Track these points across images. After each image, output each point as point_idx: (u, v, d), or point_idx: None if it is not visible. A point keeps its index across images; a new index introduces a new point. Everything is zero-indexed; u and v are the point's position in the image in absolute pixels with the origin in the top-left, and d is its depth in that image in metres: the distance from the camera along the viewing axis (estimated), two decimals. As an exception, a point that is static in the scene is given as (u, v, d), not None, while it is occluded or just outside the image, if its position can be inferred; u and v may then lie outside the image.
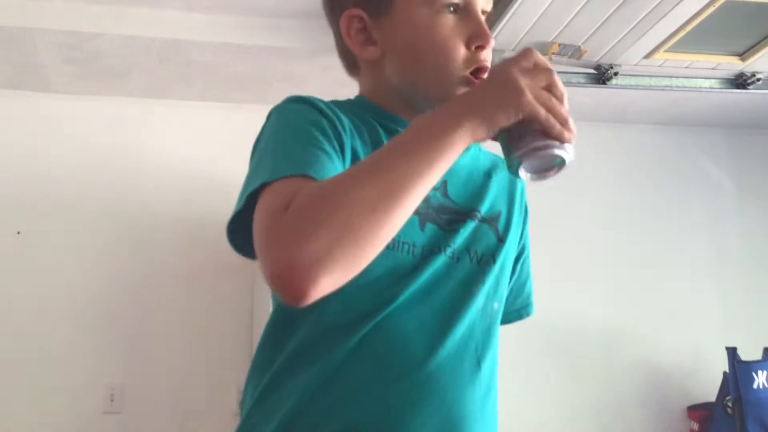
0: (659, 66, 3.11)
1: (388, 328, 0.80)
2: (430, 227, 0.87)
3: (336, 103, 0.91)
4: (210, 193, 3.30)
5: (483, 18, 0.89)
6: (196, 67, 3.11)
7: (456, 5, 0.87)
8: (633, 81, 3.16)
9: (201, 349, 3.22)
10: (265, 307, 2.75)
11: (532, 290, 1.07)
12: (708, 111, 3.75)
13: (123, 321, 3.19)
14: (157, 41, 2.88)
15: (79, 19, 2.77)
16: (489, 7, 0.91)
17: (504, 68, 0.75)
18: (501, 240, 0.94)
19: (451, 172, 0.75)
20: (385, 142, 0.88)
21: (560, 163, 0.75)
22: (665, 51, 2.94)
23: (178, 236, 3.29)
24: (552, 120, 0.73)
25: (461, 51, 0.87)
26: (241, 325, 3.23)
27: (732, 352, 3.19)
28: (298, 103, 0.86)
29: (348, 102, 0.95)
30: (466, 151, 0.94)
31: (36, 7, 2.73)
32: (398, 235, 0.74)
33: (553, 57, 2.92)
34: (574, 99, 3.31)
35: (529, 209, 1.03)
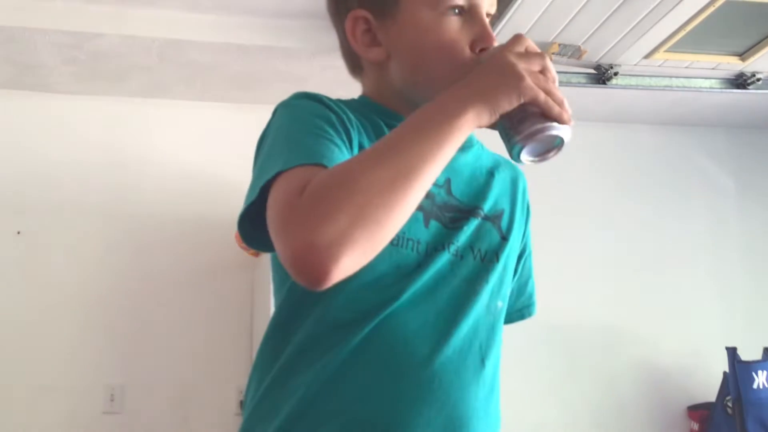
0: (659, 66, 3.11)
1: (392, 325, 0.80)
2: (434, 224, 0.87)
3: (341, 101, 0.91)
4: (210, 193, 3.30)
5: (487, 20, 0.90)
6: (196, 67, 3.11)
7: (461, 7, 0.88)
8: (633, 81, 3.16)
9: (201, 349, 3.22)
10: (265, 307, 2.75)
11: (535, 290, 1.07)
12: (708, 111, 3.75)
13: (123, 321, 3.19)
14: (157, 41, 2.88)
15: (79, 19, 2.77)
16: (493, 10, 0.92)
17: (500, 55, 0.77)
18: (504, 238, 0.94)
19: (454, 171, 0.75)
20: None
21: (559, 144, 0.78)
22: (665, 51, 2.94)
23: (178, 236, 3.29)
24: (551, 102, 0.75)
25: (466, 53, 0.87)
26: (241, 325, 3.23)
27: (732, 352, 3.19)
28: (304, 99, 0.87)
29: (352, 101, 0.95)
30: (469, 148, 0.93)
31: (36, 7, 2.73)
32: (403, 232, 0.75)
33: (553, 57, 2.92)
34: (574, 99, 3.31)
35: (531, 210, 1.04)
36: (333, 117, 0.83)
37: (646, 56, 2.99)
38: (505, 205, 0.97)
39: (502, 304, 0.93)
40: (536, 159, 0.79)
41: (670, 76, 3.18)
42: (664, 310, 3.65)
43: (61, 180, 3.26)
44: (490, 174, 0.97)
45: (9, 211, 3.20)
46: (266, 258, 0.72)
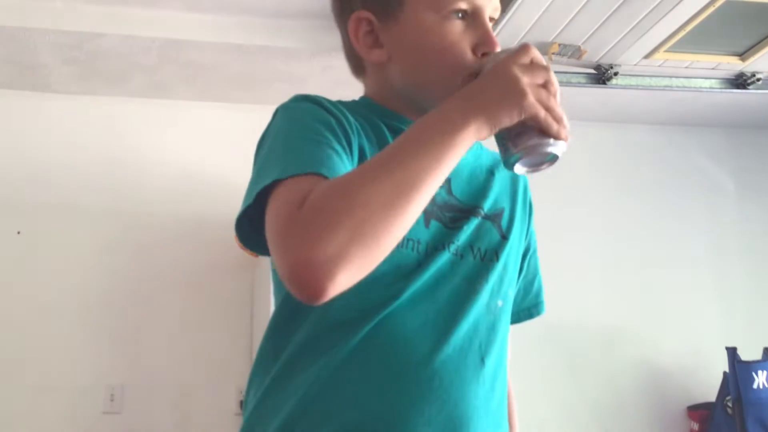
0: (659, 66, 3.11)
1: (392, 324, 0.80)
2: (434, 224, 0.87)
3: (341, 103, 0.91)
4: (210, 193, 3.30)
5: (490, 25, 0.90)
6: (196, 67, 3.11)
7: (464, 11, 0.88)
8: (633, 81, 3.16)
9: (201, 350, 3.21)
10: (265, 307, 2.75)
11: (543, 288, 1.07)
12: (708, 111, 3.75)
13: (123, 321, 3.19)
14: (157, 41, 2.88)
15: (79, 19, 2.77)
16: (497, 14, 0.92)
17: (505, 67, 0.76)
18: (504, 237, 0.94)
19: (454, 170, 0.75)
20: (391, 141, 0.88)
21: (552, 159, 0.79)
22: (665, 51, 2.94)
23: (178, 236, 3.29)
24: (550, 120, 0.75)
25: (468, 56, 0.88)
26: (241, 325, 3.23)
27: (732, 352, 3.19)
28: (304, 102, 0.86)
29: (353, 102, 0.96)
30: (470, 149, 0.94)
31: (36, 7, 2.73)
32: None
33: (553, 57, 2.92)
34: (574, 99, 3.32)
35: (533, 209, 1.04)
36: (332, 121, 0.83)
37: (646, 56, 3.00)
38: (505, 204, 0.97)
39: (502, 303, 0.92)
40: (529, 170, 0.81)
41: (670, 76, 3.18)
42: (664, 310, 3.65)
43: (61, 180, 3.26)
44: (490, 173, 0.97)
45: (9, 211, 3.20)
46: (266, 258, 0.73)
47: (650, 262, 3.71)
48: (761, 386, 3.15)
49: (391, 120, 0.91)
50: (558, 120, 0.76)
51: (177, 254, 3.28)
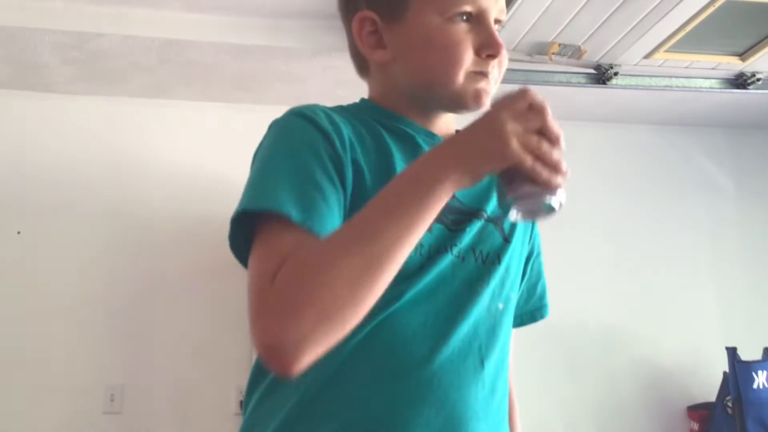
0: (659, 66, 3.11)
1: (392, 325, 0.80)
2: (437, 227, 0.87)
3: (339, 110, 0.91)
4: (210, 193, 3.30)
5: (496, 27, 0.90)
6: (196, 67, 3.11)
7: (469, 14, 0.88)
8: (633, 81, 3.16)
9: (201, 350, 3.21)
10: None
11: (547, 292, 1.07)
12: (708, 111, 3.75)
13: (123, 321, 3.19)
14: (157, 41, 2.88)
15: (79, 19, 2.77)
16: (503, 16, 0.92)
17: (494, 112, 0.74)
18: (506, 240, 0.94)
19: None
20: (390, 144, 0.88)
21: (548, 209, 0.75)
22: (665, 51, 2.94)
23: (178, 236, 3.29)
24: (538, 168, 0.72)
25: (470, 56, 0.88)
26: (241, 325, 3.22)
27: (732, 352, 3.19)
28: (299, 119, 0.85)
29: (352, 106, 0.95)
30: None
31: (36, 7, 2.73)
32: None
33: (553, 57, 2.92)
34: (574, 99, 3.32)
35: None
36: (324, 146, 0.82)
37: (646, 56, 2.99)
38: None
39: (503, 306, 0.92)
40: (525, 217, 0.77)
41: (670, 76, 3.18)
42: (664, 310, 3.65)
43: (61, 180, 3.26)
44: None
45: (9, 211, 3.20)
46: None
47: (650, 262, 3.71)
48: (761, 386, 3.15)
49: (390, 121, 0.91)
50: (553, 166, 0.73)
51: (177, 254, 3.28)
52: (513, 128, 0.72)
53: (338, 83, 3.21)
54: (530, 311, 1.05)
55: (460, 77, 0.88)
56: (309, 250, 0.72)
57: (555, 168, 0.73)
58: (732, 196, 3.93)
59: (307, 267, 0.71)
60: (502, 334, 0.92)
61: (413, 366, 0.82)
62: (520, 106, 0.74)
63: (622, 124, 3.87)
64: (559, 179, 0.73)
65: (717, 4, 2.58)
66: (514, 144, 0.71)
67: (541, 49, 2.91)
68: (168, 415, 3.13)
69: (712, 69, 3.15)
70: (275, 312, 0.70)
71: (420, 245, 0.85)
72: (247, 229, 0.78)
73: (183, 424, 3.13)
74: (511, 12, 2.59)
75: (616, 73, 3.08)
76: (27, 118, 3.31)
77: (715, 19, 2.67)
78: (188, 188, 3.33)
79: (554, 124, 0.74)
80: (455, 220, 0.89)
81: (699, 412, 3.42)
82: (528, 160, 0.71)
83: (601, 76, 3.11)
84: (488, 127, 0.73)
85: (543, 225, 1.07)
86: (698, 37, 2.82)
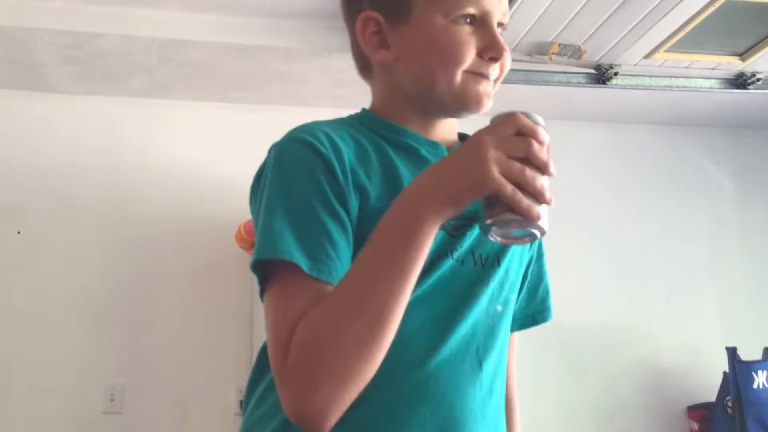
0: (659, 66, 3.11)
1: None
2: (439, 233, 0.87)
3: (340, 125, 0.90)
4: (210, 193, 3.31)
5: (499, 30, 0.90)
6: (196, 67, 3.11)
7: (472, 16, 0.88)
8: (633, 81, 3.16)
9: (201, 350, 3.22)
10: (265, 307, 2.75)
11: (550, 295, 1.06)
12: (708, 111, 3.75)
13: (123, 321, 3.19)
14: (157, 41, 2.88)
15: (79, 19, 2.77)
16: (506, 20, 0.92)
17: (477, 137, 0.73)
18: None
19: None
20: (394, 158, 0.89)
21: (529, 235, 0.74)
22: (665, 51, 2.94)
23: (178, 236, 3.29)
24: (518, 197, 0.70)
25: (472, 56, 0.88)
26: (241, 325, 3.23)
27: (732, 352, 3.19)
28: (300, 147, 0.84)
29: (354, 118, 0.95)
30: None
31: (36, 7, 2.73)
32: None
33: (553, 57, 2.92)
34: (574, 99, 3.31)
35: None
36: (327, 176, 0.82)
37: (646, 56, 2.99)
38: None
39: (502, 309, 0.92)
40: (506, 240, 0.77)
41: (670, 76, 3.18)
42: (664, 310, 3.65)
43: (61, 180, 3.26)
44: None
45: (9, 211, 3.20)
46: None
47: (650, 262, 3.71)
48: (761, 386, 3.15)
49: (393, 134, 0.91)
50: (535, 194, 0.71)
51: (177, 254, 3.28)
52: (494, 155, 0.70)
53: (338, 83, 3.21)
54: (531, 314, 1.04)
55: (461, 77, 0.88)
56: (315, 317, 0.74)
57: (537, 196, 0.71)
58: (732, 196, 3.93)
59: (315, 338, 0.73)
60: (500, 336, 0.92)
61: (410, 366, 0.83)
62: (506, 132, 0.72)
63: (622, 124, 3.87)
64: (539, 209, 0.71)
65: (717, 4, 2.58)
66: (494, 172, 0.70)
67: (541, 49, 2.91)
68: (168, 415, 3.13)
69: (712, 69, 3.15)
70: (295, 386, 0.74)
71: None
72: (263, 271, 0.80)
73: (183, 424, 3.13)
74: (511, 12, 2.58)
75: (616, 73, 3.08)
76: (27, 118, 3.31)
77: (715, 19, 2.67)
78: (188, 188, 3.33)
79: (542, 150, 0.72)
80: (456, 225, 0.89)
81: (699, 412, 3.42)
82: (507, 189, 0.70)
83: (601, 76, 3.11)
84: (470, 153, 0.72)
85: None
86: (698, 37, 2.82)
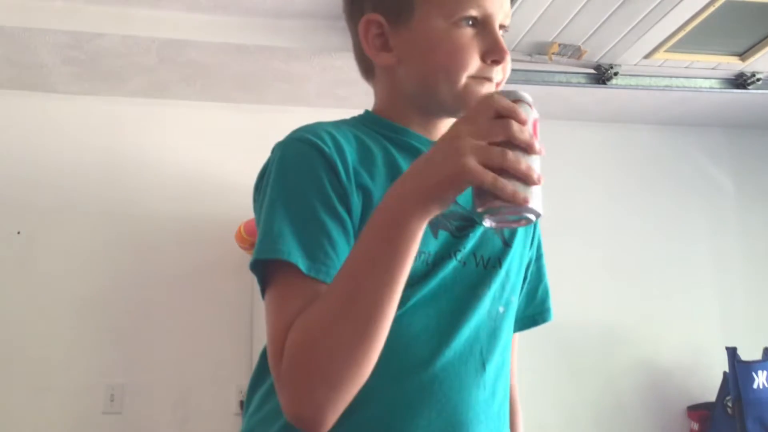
0: (659, 66, 3.11)
1: (394, 329, 0.80)
2: (442, 234, 0.87)
3: (343, 125, 0.90)
4: (210, 193, 3.31)
5: (501, 32, 0.90)
6: (196, 67, 3.11)
7: (474, 18, 0.88)
8: (633, 81, 3.16)
9: (201, 350, 3.22)
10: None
11: (549, 296, 1.06)
12: (708, 111, 3.75)
13: (123, 321, 3.19)
14: (157, 41, 2.88)
15: (79, 19, 2.77)
16: (507, 22, 0.92)
17: (452, 129, 0.71)
18: (507, 244, 0.94)
19: None
20: (398, 158, 0.89)
21: (520, 221, 0.72)
22: (665, 51, 2.94)
23: (177, 236, 3.29)
24: (499, 185, 0.67)
25: (476, 61, 0.88)
26: (241, 325, 3.23)
27: (732, 352, 3.19)
28: (303, 147, 0.84)
29: (356, 120, 0.95)
30: None
31: (36, 7, 2.73)
32: None
33: (553, 57, 2.92)
34: (574, 99, 3.31)
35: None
36: (329, 176, 0.82)
37: (646, 56, 2.99)
38: None
39: (504, 310, 0.92)
40: (500, 225, 0.75)
41: (670, 76, 3.18)
42: (664, 309, 3.65)
43: (61, 180, 3.27)
44: None
45: (9, 211, 3.20)
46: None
47: (650, 262, 3.71)
48: (761, 386, 3.15)
49: (396, 135, 0.92)
50: (522, 176, 0.67)
51: (177, 254, 3.28)
52: (470, 144, 0.67)
53: (338, 83, 3.21)
54: (531, 315, 1.04)
55: (465, 81, 0.88)
56: (307, 318, 0.74)
57: (524, 179, 0.68)
58: (732, 196, 3.93)
59: (306, 341, 0.73)
60: (502, 337, 0.92)
61: (415, 368, 0.83)
62: (485, 116, 0.69)
63: (621, 124, 3.87)
64: (527, 192, 0.68)
65: (717, 4, 2.58)
66: (471, 163, 0.67)
67: (541, 49, 2.91)
68: (168, 415, 3.13)
69: (712, 69, 3.15)
70: (291, 388, 0.74)
71: (427, 253, 0.85)
72: (263, 271, 0.80)
73: (183, 424, 3.13)
74: (511, 12, 2.59)
75: (616, 73, 3.08)
76: (27, 118, 3.31)
77: (715, 19, 2.68)
78: (188, 188, 3.33)
79: (523, 130, 0.68)
80: (459, 226, 0.89)
81: (699, 412, 3.42)
82: (487, 178, 0.66)
83: (601, 76, 3.11)
84: (445, 147, 0.70)
85: (542, 225, 1.07)
86: (698, 37, 2.82)
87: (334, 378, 0.72)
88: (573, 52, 2.90)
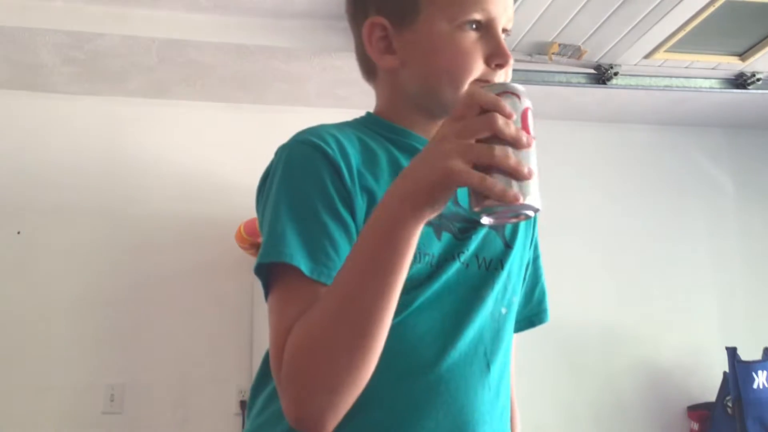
0: (659, 66, 3.11)
1: (400, 331, 0.81)
2: (446, 236, 0.87)
3: (347, 127, 0.91)
4: (210, 193, 3.30)
5: (503, 36, 0.90)
6: (196, 67, 3.11)
7: (478, 22, 0.88)
8: (633, 81, 3.16)
9: (201, 350, 3.22)
10: (265, 307, 2.75)
11: (546, 297, 1.06)
12: (708, 111, 3.75)
13: (123, 321, 3.19)
14: (157, 41, 2.88)
15: (79, 19, 2.77)
16: (510, 26, 0.92)
17: (438, 132, 0.70)
18: (508, 246, 0.94)
19: None
20: (401, 160, 0.89)
21: (517, 216, 0.70)
22: (665, 51, 2.94)
23: (177, 236, 3.29)
24: (488, 184, 0.65)
25: (480, 65, 0.88)
26: (241, 325, 3.23)
27: (732, 352, 3.19)
28: (307, 149, 0.84)
29: (358, 122, 0.95)
30: None
31: (36, 7, 2.74)
32: (419, 247, 0.75)
33: (553, 57, 2.92)
34: (574, 99, 3.31)
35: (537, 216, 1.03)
36: (333, 179, 0.82)
37: (646, 56, 3.00)
38: None
39: (506, 311, 0.93)
40: (498, 222, 0.73)
41: (670, 76, 3.18)
42: (664, 310, 3.65)
43: (61, 180, 3.27)
44: None
45: (9, 211, 3.20)
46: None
47: (650, 262, 3.71)
48: (761, 386, 3.15)
49: (398, 137, 0.92)
50: (511, 173, 0.65)
51: (177, 254, 3.28)
52: (456, 146, 0.66)
53: (338, 83, 3.21)
54: (528, 316, 1.04)
55: (468, 85, 0.88)
56: (306, 322, 0.74)
57: (514, 175, 0.66)
58: (731, 196, 3.93)
59: (305, 344, 0.74)
60: (505, 338, 0.92)
61: (421, 370, 0.83)
62: (469, 114, 0.67)
63: (622, 124, 3.87)
64: (518, 189, 0.66)
65: (717, 4, 2.58)
66: (457, 165, 0.65)
67: (541, 49, 2.91)
68: (168, 415, 3.13)
69: (712, 69, 3.15)
70: (291, 391, 0.74)
71: (430, 255, 0.85)
72: (267, 274, 0.81)
73: (183, 424, 3.13)
74: (513, 16, 2.59)
75: (616, 73, 3.09)
76: (27, 118, 3.31)
77: (715, 19, 2.68)
78: (188, 188, 3.33)
79: (508, 124, 0.66)
80: (462, 228, 0.89)
81: (699, 412, 3.43)
82: (474, 180, 0.65)
83: (601, 76, 3.11)
84: (431, 150, 0.69)
85: (542, 224, 1.07)
86: (698, 37, 2.82)
87: (334, 382, 0.72)
88: (573, 52, 2.90)
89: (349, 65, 2.89)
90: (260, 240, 0.84)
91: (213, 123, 3.45)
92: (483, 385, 0.87)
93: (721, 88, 3.25)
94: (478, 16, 0.87)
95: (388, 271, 0.71)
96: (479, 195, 0.67)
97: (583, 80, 3.14)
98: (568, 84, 3.13)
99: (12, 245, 3.18)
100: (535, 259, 1.05)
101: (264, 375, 0.89)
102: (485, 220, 0.70)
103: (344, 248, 0.80)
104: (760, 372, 3.17)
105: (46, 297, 3.14)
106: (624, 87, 3.19)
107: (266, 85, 3.29)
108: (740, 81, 3.22)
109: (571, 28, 2.78)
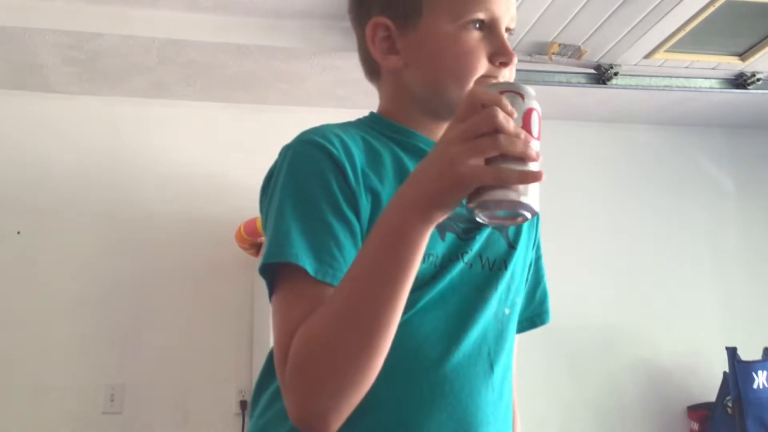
0: (659, 66, 3.11)
1: (404, 331, 0.81)
2: (449, 236, 0.87)
3: (351, 127, 0.90)
4: (210, 193, 3.30)
5: (506, 35, 0.91)
6: (196, 67, 3.11)
7: (481, 21, 0.88)
8: (633, 81, 3.16)
9: (201, 350, 3.21)
10: (265, 307, 2.75)
11: (548, 297, 1.06)
12: (708, 111, 3.75)
13: (123, 321, 3.19)
14: (157, 41, 2.88)
15: (79, 19, 2.77)
16: (513, 25, 0.93)
17: (444, 135, 0.69)
18: (512, 246, 0.94)
19: None
20: (405, 160, 0.89)
21: (519, 216, 0.69)
22: (665, 51, 2.94)
23: (177, 236, 3.29)
24: (503, 175, 0.65)
25: (484, 64, 0.88)
26: (241, 325, 3.23)
27: (732, 352, 3.19)
28: (311, 149, 0.84)
29: (362, 122, 0.95)
30: None
31: (36, 7, 2.73)
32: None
33: (553, 57, 2.92)
34: (574, 99, 3.31)
35: (540, 216, 1.03)
36: (337, 179, 0.82)
37: (646, 56, 3.00)
38: None
39: (509, 311, 0.93)
40: (495, 221, 0.72)
41: (670, 76, 3.18)
42: (664, 310, 3.65)
43: (61, 180, 3.27)
44: None
45: (9, 211, 3.20)
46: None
47: (650, 262, 3.71)
48: (761, 386, 3.15)
49: (402, 136, 0.92)
50: (521, 157, 0.65)
51: (177, 254, 3.28)
52: (462, 149, 0.66)
53: (338, 83, 3.21)
54: (530, 317, 1.04)
55: (473, 85, 0.88)
56: (311, 324, 0.74)
57: (524, 157, 0.65)
58: (732, 195, 3.93)
59: (310, 347, 0.73)
60: (508, 338, 0.92)
61: (425, 370, 0.83)
62: (472, 113, 0.67)
63: (622, 124, 3.87)
64: (532, 175, 0.65)
65: (717, 4, 2.58)
66: (467, 168, 0.65)
67: (541, 49, 2.91)
68: (168, 415, 3.13)
69: (712, 69, 3.15)
70: (295, 393, 0.74)
71: (434, 255, 0.85)
72: (271, 274, 0.80)
73: (183, 424, 3.13)
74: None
75: (616, 73, 3.09)
76: (27, 118, 3.31)
77: (715, 19, 2.68)
78: (188, 188, 3.33)
79: (507, 121, 0.65)
80: (465, 228, 0.89)
81: (699, 412, 3.42)
82: (487, 175, 0.65)
83: (601, 76, 3.11)
84: (438, 154, 0.68)
85: (542, 224, 1.07)
86: (698, 37, 2.82)
87: (338, 385, 0.72)
88: (573, 52, 2.90)
89: (349, 65, 2.89)
90: (260, 240, 0.85)
91: (213, 123, 3.45)
92: (486, 386, 0.87)
93: (721, 88, 3.25)
94: (481, 16, 0.88)
95: (397, 276, 0.71)
96: (481, 191, 0.66)
97: (583, 80, 3.14)
98: (568, 84, 3.13)
99: (12, 245, 3.18)
100: (537, 259, 1.05)
101: (268, 373, 0.89)
102: (479, 216, 0.69)
103: (349, 249, 0.79)
104: (760, 372, 3.17)
105: (46, 297, 3.14)
106: (624, 87, 3.19)
107: (266, 85, 3.29)
108: (740, 81, 3.22)
109: (571, 28, 2.78)
